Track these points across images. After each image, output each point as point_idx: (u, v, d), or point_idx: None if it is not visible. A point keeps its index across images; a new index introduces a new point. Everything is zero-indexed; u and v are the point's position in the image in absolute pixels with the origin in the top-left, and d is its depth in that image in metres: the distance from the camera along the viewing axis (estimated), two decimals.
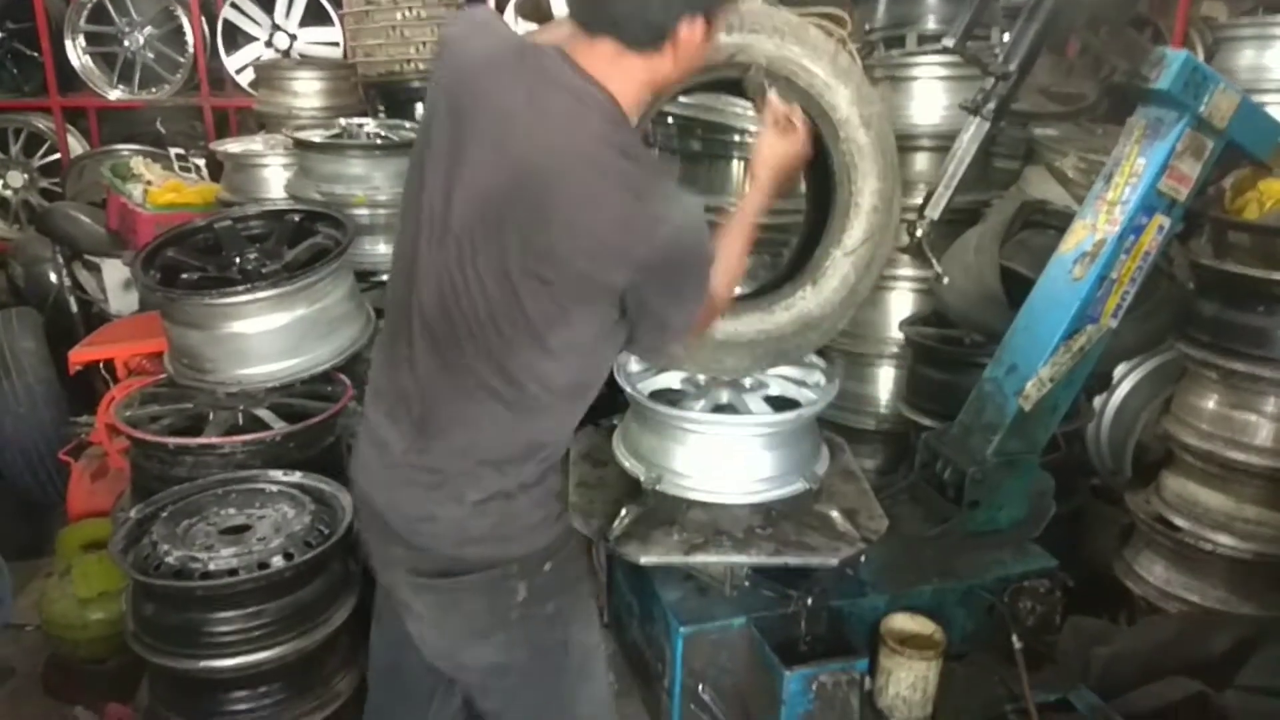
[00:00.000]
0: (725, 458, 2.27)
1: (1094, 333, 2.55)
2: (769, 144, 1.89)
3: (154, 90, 5.09)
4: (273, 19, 4.91)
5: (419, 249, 1.60)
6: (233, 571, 2.17)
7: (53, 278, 4.19)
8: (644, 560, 2.16)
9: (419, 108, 3.92)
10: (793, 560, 2.17)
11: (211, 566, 2.17)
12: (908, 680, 2.31)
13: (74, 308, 4.14)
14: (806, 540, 2.20)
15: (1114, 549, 3.05)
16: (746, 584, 2.32)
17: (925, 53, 3.55)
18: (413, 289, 1.61)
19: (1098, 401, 3.34)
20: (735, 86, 2.47)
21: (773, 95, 1.98)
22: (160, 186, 3.92)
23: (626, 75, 1.55)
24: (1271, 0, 4.38)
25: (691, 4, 1.52)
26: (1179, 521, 2.80)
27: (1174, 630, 2.62)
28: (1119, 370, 3.31)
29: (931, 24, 3.74)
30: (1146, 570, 2.91)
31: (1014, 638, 2.43)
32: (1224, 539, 2.71)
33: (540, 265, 1.49)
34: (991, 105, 2.41)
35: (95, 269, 4.14)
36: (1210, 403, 2.77)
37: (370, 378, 1.81)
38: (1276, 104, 3.01)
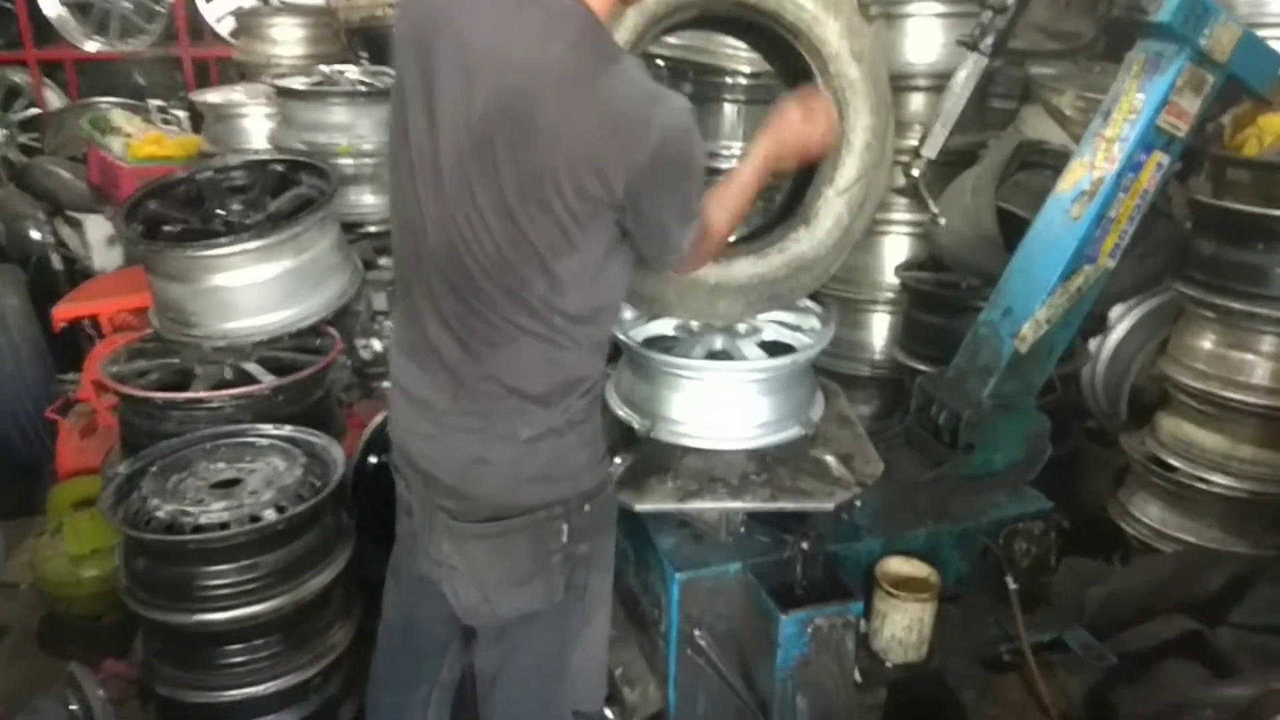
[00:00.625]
0: (720, 404, 2.25)
1: (1091, 273, 2.52)
2: (789, 119, 1.87)
3: (131, 41, 4.97)
4: None
5: (419, 199, 1.58)
6: (224, 525, 2.15)
7: (35, 235, 4.12)
8: (639, 507, 2.14)
9: None
10: (788, 505, 2.15)
11: (203, 520, 2.15)
12: (903, 622, 2.32)
13: (58, 265, 4.08)
14: (802, 485, 2.19)
15: (1109, 491, 3.06)
16: (742, 530, 2.31)
17: None
18: (422, 240, 1.60)
19: (1093, 343, 3.32)
20: (727, 25, 2.42)
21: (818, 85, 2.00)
22: (141, 139, 3.84)
23: None
24: None
25: None
26: (1174, 462, 2.80)
27: (1168, 569, 2.64)
28: (1115, 311, 3.29)
29: None
30: (1141, 511, 2.92)
31: (1008, 579, 2.44)
32: (1219, 478, 2.71)
33: (536, 188, 1.48)
34: (989, 40, 2.36)
35: (78, 225, 4.08)
36: (1207, 342, 2.76)
37: (393, 336, 1.82)
38: (1275, 38, 2.96)
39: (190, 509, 2.19)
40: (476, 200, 1.52)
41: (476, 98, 1.48)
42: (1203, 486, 2.74)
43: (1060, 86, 3.25)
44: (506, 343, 1.61)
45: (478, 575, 1.73)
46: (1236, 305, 2.61)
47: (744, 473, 2.23)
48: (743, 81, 3.38)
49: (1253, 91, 2.50)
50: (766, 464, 2.25)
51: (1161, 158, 2.44)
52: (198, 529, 2.15)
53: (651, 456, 2.26)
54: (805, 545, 2.22)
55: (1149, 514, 2.89)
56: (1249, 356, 2.66)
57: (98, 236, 3.96)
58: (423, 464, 1.75)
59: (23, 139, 5.34)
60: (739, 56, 3.27)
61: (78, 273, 4.06)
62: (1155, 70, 2.39)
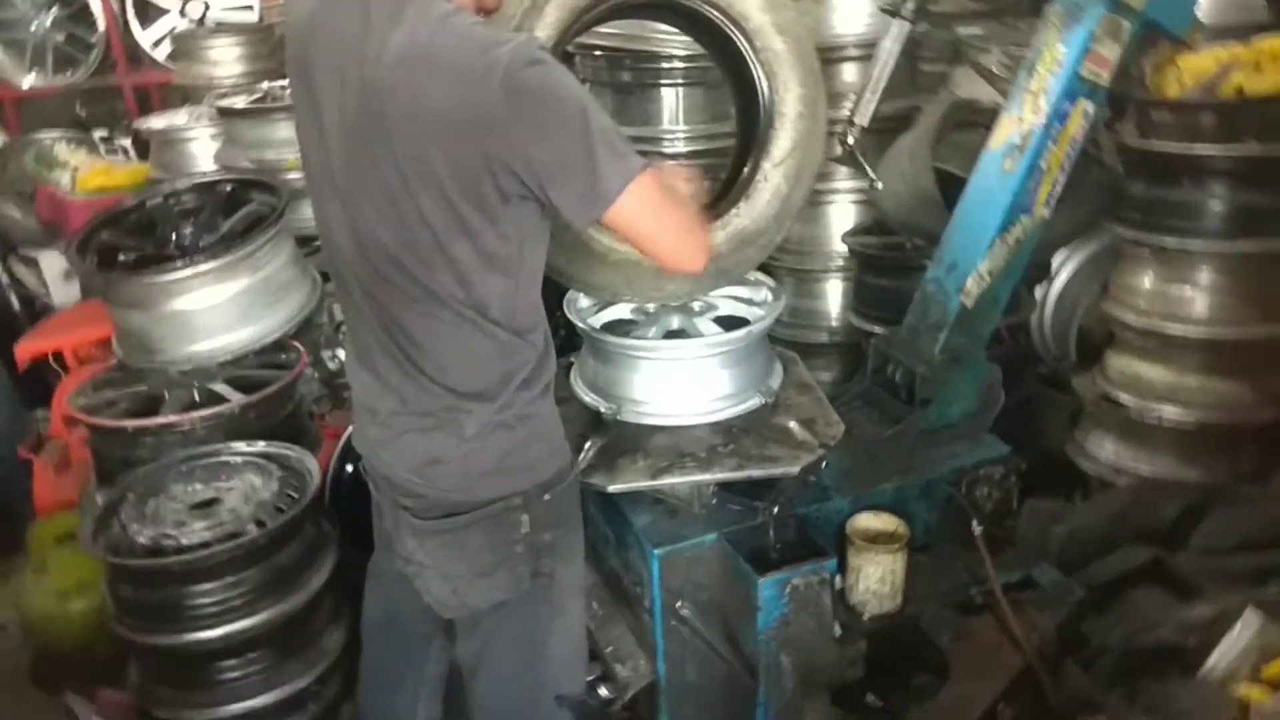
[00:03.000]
0: (682, 381, 2.30)
1: (1028, 223, 2.60)
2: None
3: (69, 73, 4.92)
4: None
5: (326, 209, 1.63)
6: (206, 544, 2.19)
7: None
8: (613, 488, 2.20)
9: None
10: (756, 473, 2.22)
11: (184, 541, 2.19)
12: (876, 574, 2.39)
13: (15, 305, 4.05)
14: (768, 452, 2.26)
15: (1064, 432, 3.15)
16: (714, 501, 2.37)
17: None
18: (337, 248, 1.65)
19: (1038, 291, 3.42)
20: (652, 11, 2.47)
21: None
22: (88, 171, 3.84)
23: None
24: None
25: None
26: (1124, 398, 2.89)
27: (1126, 502, 2.72)
28: (1056, 258, 3.38)
29: None
30: (1097, 448, 3.01)
31: (974, 524, 2.52)
32: (1168, 410, 2.80)
33: (416, 174, 1.48)
34: (911, 4, 2.42)
35: (32, 263, 4.06)
36: (1146, 280, 2.84)
37: (345, 348, 1.85)
38: None
39: (171, 531, 2.22)
40: (369, 199, 1.54)
41: (348, 100, 1.50)
42: (1153, 419, 2.83)
43: (987, 46, 3.33)
44: (430, 340, 1.63)
45: (443, 570, 1.77)
46: (1171, 242, 2.70)
47: (711, 445, 2.29)
48: (679, 65, 3.43)
49: (1169, 34, 2.58)
50: (732, 435, 2.31)
51: (1087, 106, 2.52)
52: (180, 550, 2.18)
53: (620, 438, 2.32)
54: (776, 510, 2.29)
55: (1104, 450, 2.99)
56: (1186, 290, 2.75)
57: (54, 272, 3.94)
58: (382, 468, 1.79)
59: None
60: (673, 42, 3.32)
61: (38, 310, 4.04)
62: (1074, 21, 2.46)
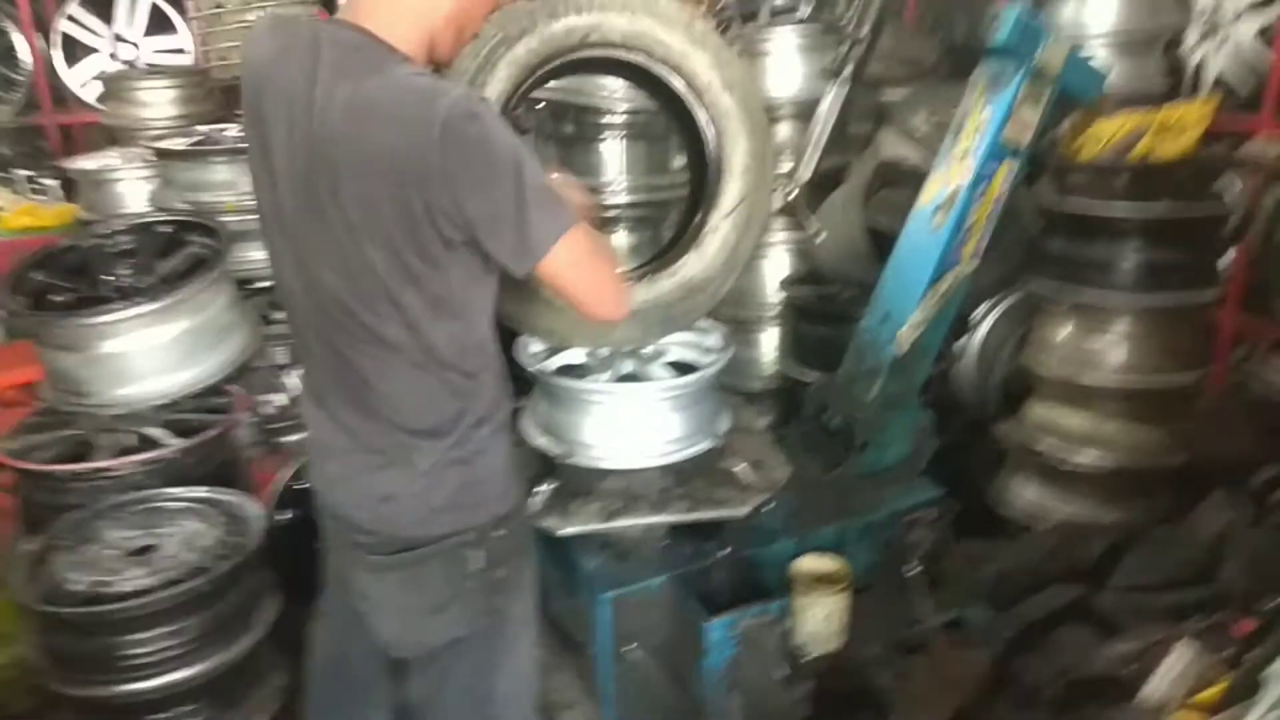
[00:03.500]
0: (633, 424, 2.35)
1: (957, 275, 2.74)
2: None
3: None
4: (113, 29, 4.69)
5: (279, 252, 1.66)
6: (145, 591, 2.13)
7: None
8: (565, 531, 2.23)
9: None
10: (708, 515, 2.27)
11: (122, 588, 2.13)
12: (819, 616, 2.44)
13: None
14: (718, 495, 2.31)
15: (988, 477, 3.28)
16: (663, 544, 2.41)
17: (779, 25, 3.70)
18: (291, 290, 1.67)
19: (960, 343, 3.57)
20: (602, 67, 2.54)
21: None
22: (13, 211, 3.72)
23: (404, 9, 1.57)
24: None
25: None
26: (1045, 444, 3.03)
27: (1051, 543, 2.83)
28: (978, 311, 3.55)
29: None
30: (1020, 493, 3.14)
31: (909, 565, 2.61)
32: (1087, 456, 2.95)
33: (362, 220, 1.51)
34: (849, 69, 2.56)
35: None
36: (1064, 333, 3.00)
37: (302, 386, 1.86)
38: (1098, 50, 3.29)
39: (108, 578, 2.15)
40: (318, 246, 1.57)
41: (297, 149, 1.54)
42: (1073, 465, 2.97)
43: (913, 109, 3.51)
44: (381, 382, 1.65)
45: (396, 605, 1.78)
46: (1088, 295, 2.86)
47: (662, 488, 2.33)
48: (622, 119, 3.52)
49: (1083, 101, 2.78)
50: (683, 478, 2.36)
51: (1010, 165, 2.68)
52: (118, 597, 2.11)
53: (572, 481, 2.34)
54: (725, 552, 2.33)
55: (1027, 494, 3.12)
56: (1103, 340, 2.90)
57: None
58: (337, 505, 1.79)
59: None
60: (615, 97, 3.41)
61: None
62: (997, 87, 2.63)
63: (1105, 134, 2.79)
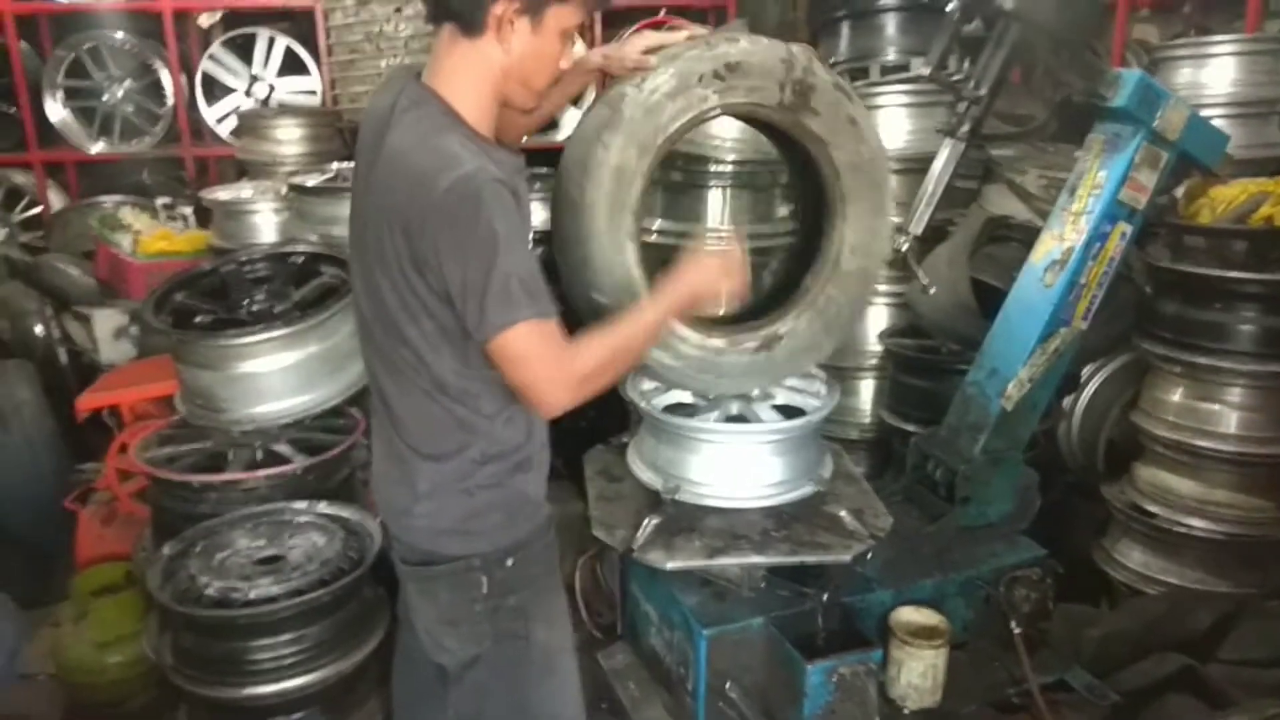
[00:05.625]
0: (739, 465, 2.39)
1: (1067, 334, 2.73)
2: (706, 271, 1.90)
3: (134, 142, 5.12)
4: (250, 70, 5.00)
5: (352, 281, 1.85)
6: (273, 599, 2.25)
7: (39, 330, 4.19)
8: (670, 566, 2.27)
9: None
10: (809, 558, 2.29)
11: (252, 595, 2.25)
12: (918, 669, 2.44)
13: (63, 359, 4.15)
14: (819, 539, 2.33)
15: (1092, 539, 3.23)
16: (763, 585, 2.44)
17: (890, 82, 3.76)
18: (358, 313, 1.85)
19: (1068, 401, 3.53)
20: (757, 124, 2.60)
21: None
22: (150, 235, 3.97)
23: (461, 64, 1.69)
24: (1198, 21, 4.69)
25: None
26: (1153, 508, 2.98)
27: (1158, 610, 2.79)
28: (1086, 371, 3.51)
29: (892, 55, 3.97)
30: (1125, 556, 3.09)
31: (1012, 624, 2.59)
32: (1197, 522, 2.89)
33: (380, 257, 1.67)
34: (966, 127, 2.60)
35: (84, 320, 4.16)
36: (1176, 395, 2.96)
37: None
38: (1215, 117, 3.26)
39: (239, 584, 2.28)
40: (359, 274, 1.78)
41: (361, 187, 1.75)
42: (1182, 530, 2.91)
43: (1021, 166, 3.52)
44: (396, 402, 1.80)
45: (421, 611, 1.90)
46: (1202, 360, 2.83)
47: (764, 529, 2.36)
48: (728, 169, 3.60)
49: (1202, 166, 2.76)
50: (784, 520, 2.39)
51: (1125, 227, 2.68)
52: (248, 604, 2.24)
53: (676, 518, 2.39)
54: (825, 597, 2.35)
55: (1133, 559, 3.06)
56: (1216, 407, 2.87)
57: (105, 330, 4.04)
58: (383, 512, 1.95)
59: (24, 238, 5.44)
60: (724, 147, 3.49)
61: (84, 366, 4.13)
62: (1115, 149, 2.64)
63: (1224, 199, 2.77)
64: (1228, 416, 2.85)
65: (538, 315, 1.64)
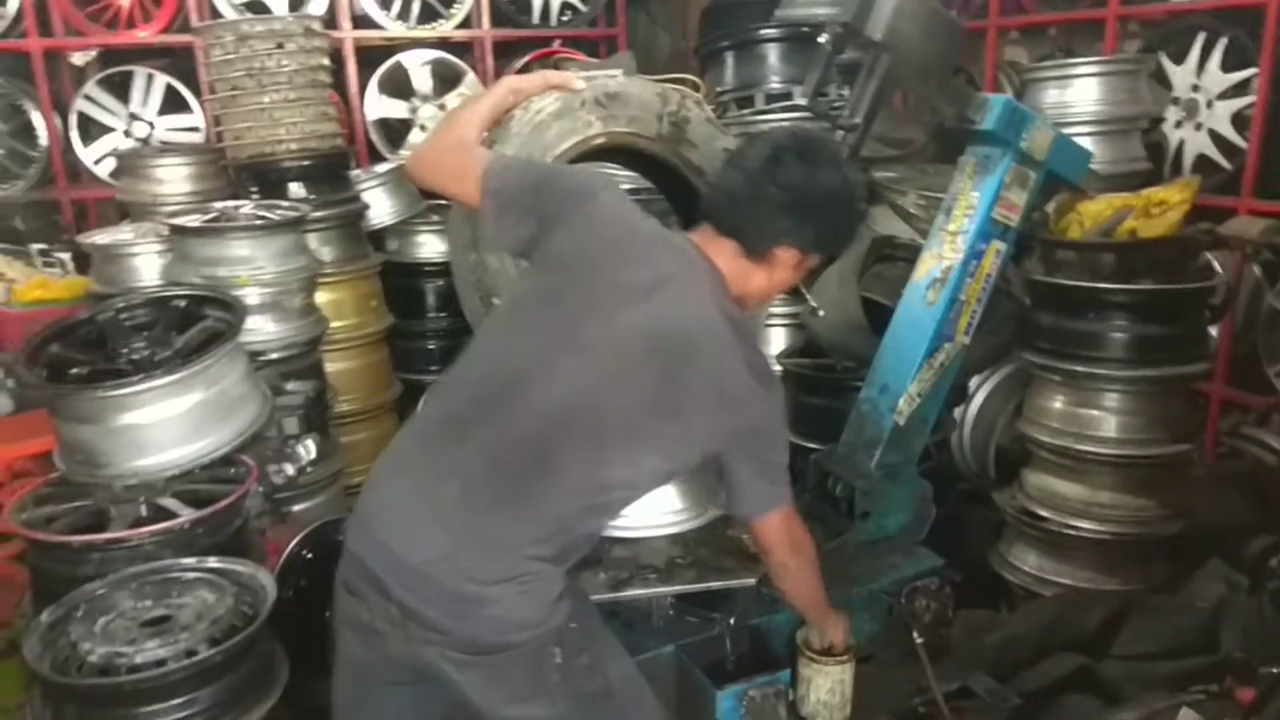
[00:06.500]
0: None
1: (951, 349, 2.82)
2: (840, 627, 2.41)
3: (5, 187, 4.89)
4: (129, 108, 4.83)
5: (544, 357, 1.79)
6: (161, 662, 2.15)
7: None
8: None
9: (292, 187, 3.93)
10: (716, 584, 2.31)
11: (139, 660, 2.14)
12: (826, 686, 2.46)
13: None
14: (725, 564, 2.35)
15: (989, 545, 3.33)
16: (670, 613, 2.45)
17: (774, 110, 3.85)
18: (519, 386, 1.77)
19: (958, 412, 3.65)
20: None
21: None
22: (25, 284, 3.80)
23: (734, 272, 1.90)
24: (1063, 43, 4.94)
25: (795, 238, 1.89)
26: (1043, 512, 3.09)
27: (1053, 612, 2.88)
28: (973, 382, 3.64)
29: (775, 84, 4.07)
30: (1020, 560, 3.19)
31: (914, 634, 2.64)
32: (1084, 524, 3.01)
33: (678, 400, 1.79)
34: (844, 153, 2.66)
35: None
36: (1057, 403, 3.09)
37: (391, 461, 1.89)
38: (1081, 135, 3.43)
39: (124, 649, 2.16)
40: (621, 380, 1.77)
41: (650, 319, 1.79)
42: (1070, 533, 3.03)
43: (902, 188, 3.64)
44: (546, 499, 1.75)
45: (479, 692, 1.80)
46: (1079, 368, 2.96)
47: (669, 557, 2.38)
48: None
49: (1069, 183, 2.90)
50: (690, 547, 2.40)
51: (999, 245, 2.79)
52: (134, 669, 2.13)
53: None
54: (732, 621, 2.37)
55: (1027, 562, 3.17)
56: (1095, 412, 3.00)
57: None
58: (406, 598, 1.75)
59: None
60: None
61: None
62: (986, 171, 2.75)
63: (1090, 214, 2.91)
64: (1107, 421, 2.98)
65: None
